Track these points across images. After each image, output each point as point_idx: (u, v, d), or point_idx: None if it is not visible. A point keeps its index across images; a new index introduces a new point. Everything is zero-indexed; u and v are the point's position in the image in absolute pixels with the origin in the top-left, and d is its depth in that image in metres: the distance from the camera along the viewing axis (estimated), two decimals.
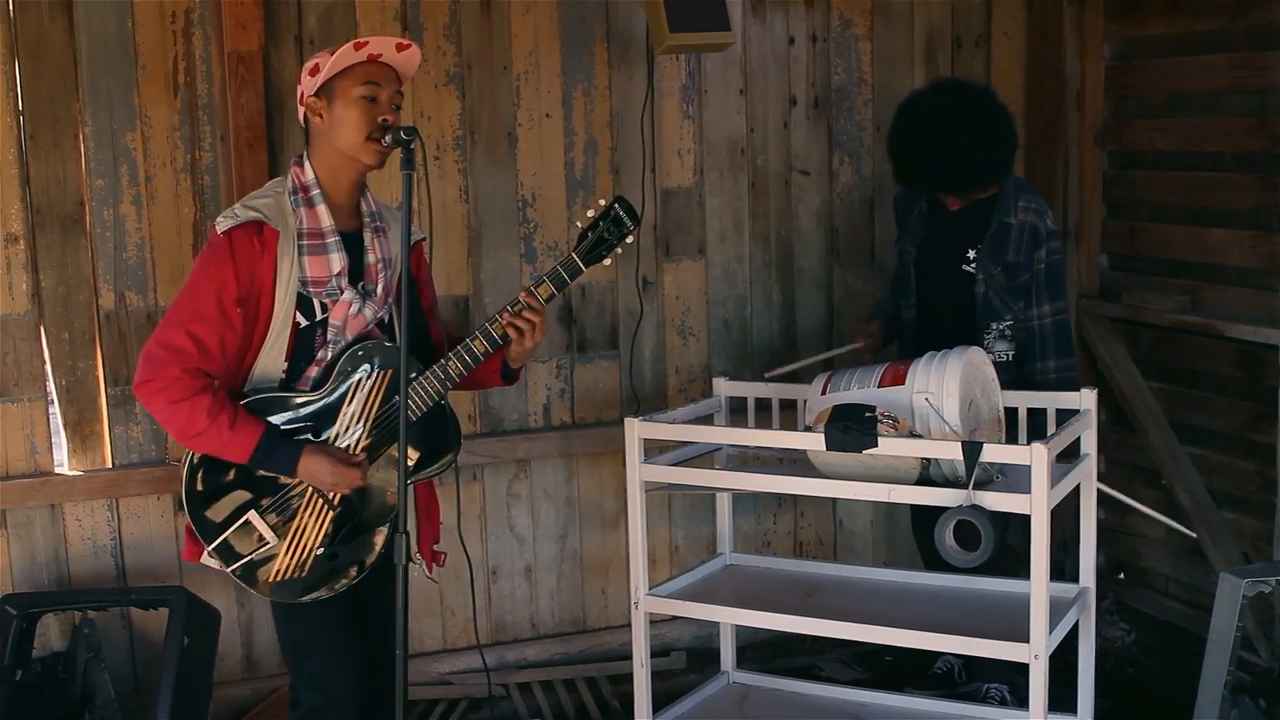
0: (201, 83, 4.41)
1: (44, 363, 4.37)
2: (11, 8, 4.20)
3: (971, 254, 4.33)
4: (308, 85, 3.17)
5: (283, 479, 3.20)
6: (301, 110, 3.22)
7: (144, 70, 4.36)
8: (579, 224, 3.31)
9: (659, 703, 4.03)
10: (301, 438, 3.18)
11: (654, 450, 3.94)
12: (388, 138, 3.11)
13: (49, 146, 4.29)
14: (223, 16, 4.32)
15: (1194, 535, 4.34)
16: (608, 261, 3.31)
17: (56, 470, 4.43)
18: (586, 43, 4.82)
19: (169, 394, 3.07)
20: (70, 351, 4.38)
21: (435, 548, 3.49)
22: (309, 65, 3.18)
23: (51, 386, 4.40)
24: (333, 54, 3.11)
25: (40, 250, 4.31)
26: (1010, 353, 4.33)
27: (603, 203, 3.30)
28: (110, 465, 4.46)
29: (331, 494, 3.21)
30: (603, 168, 4.88)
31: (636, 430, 3.81)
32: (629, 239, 3.30)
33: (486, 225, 4.77)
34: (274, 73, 4.45)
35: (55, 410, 4.42)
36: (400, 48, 3.16)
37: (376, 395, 3.23)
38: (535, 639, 4.99)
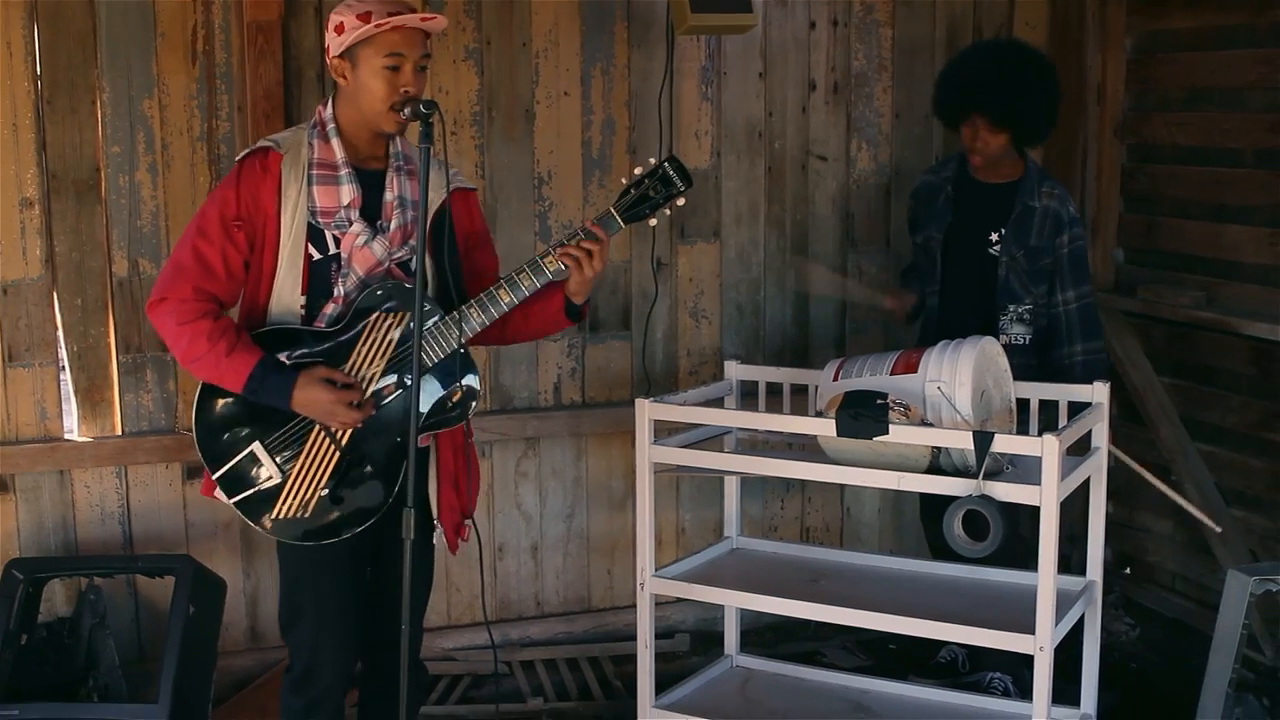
0: (220, 52, 4.40)
1: (56, 328, 4.38)
2: None
3: (995, 236, 4.34)
4: (333, 43, 3.15)
5: (290, 415, 3.19)
6: (328, 63, 3.21)
7: (163, 38, 4.35)
8: (623, 180, 3.26)
9: (662, 684, 4.02)
10: (297, 366, 3.15)
11: (663, 432, 3.93)
12: (407, 110, 3.10)
13: (66, 112, 4.28)
14: None
15: (1217, 529, 4.32)
16: (653, 222, 3.26)
17: (66, 436, 4.44)
18: (607, 21, 4.80)
19: (177, 314, 3.12)
20: (82, 318, 4.38)
21: (464, 521, 3.42)
22: (334, 21, 3.15)
23: (63, 352, 4.41)
24: (357, 16, 3.09)
25: (55, 216, 4.31)
26: (1027, 336, 4.34)
27: (653, 160, 3.24)
28: (120, 432, 4.46)
29: (336, 430, 3.18)
30: (620, 147, 4.86)
31: (647, 411, 3.80)
32: (680, 201, 3.24)
33: (502, 202, 4.76)
34: (293, 43, 4.45)
35: (66, 376, 4.43)
36: (423, 20, 3.15)
37: (392, 335, 3.21)
38: (540, 617, 5.00)
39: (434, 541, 3.38)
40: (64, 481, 4.42)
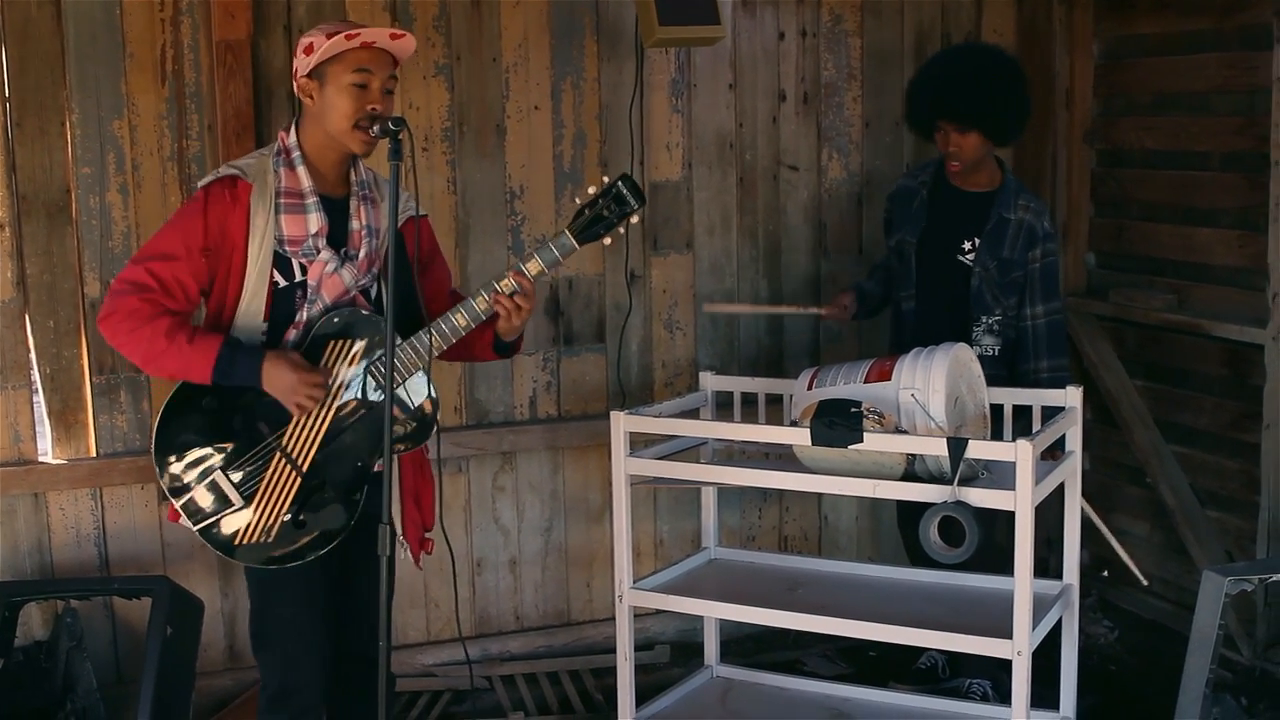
0: (190, 71, 4.39)
1: (28, 350, 4.36)
2: None
3: (968, 245, 4.35)
4: (301, 64, 3.17)
5: (251, 442, 3.20)
6: (295, 85, 3.22)
7: (132, 58, 4.34)
8: (578, 200, 3.27)
9: (642, 696, 4.03)
10: (260, 349, 3.16)
11: (640, 444, 3.94)
12: (375, 128, 3.11)
13: (35, 134, 4.27)
14: (211, 5, 4.31)
15: (1144, 582, 4.29)
16: (608, 241, 3.27)
17: (40, 459, 4.41)
18: (576, 35, 4.81)
19: (128, 323, 3.11)
20: (55, 339, 4.36)
21: (426, 535, 3.46)
22: (304, 43, 3.16)
23: (36, 374, 4.39)
24: (327, 36, 3.10)
25: (26, 238, 4.29)
26: (996, 347, 4.35)
27: (605, 179, 3.26)
28: (94, 454, 4.44)
29: (296, 452, 3.18)
30: (591, 160, 4.87)
31: (622, 424, 3.81)
32: (633, 219, 3.26)
33: (474, 217, 4.76)
34: (262, 62, 4.44)
35: (39, 398, 4.41)
36: (394, 37, 3.16)
37: (350, 362, 3.22)
38: (519, 631, 4.99)
39: (400, 556, 3.40)
40: (39, 504, 4.39)
